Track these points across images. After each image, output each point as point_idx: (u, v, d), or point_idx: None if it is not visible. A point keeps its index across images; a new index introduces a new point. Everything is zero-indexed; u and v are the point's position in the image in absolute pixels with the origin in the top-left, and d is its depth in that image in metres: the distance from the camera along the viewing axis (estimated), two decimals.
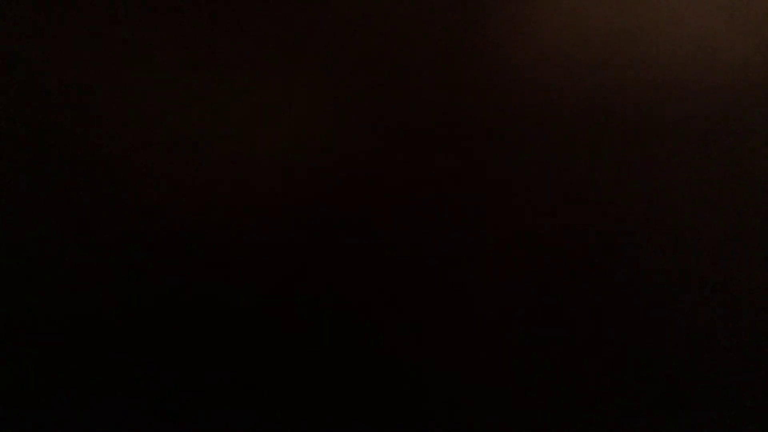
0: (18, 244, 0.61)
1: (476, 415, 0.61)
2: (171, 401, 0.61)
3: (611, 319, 0.61)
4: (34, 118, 0.61)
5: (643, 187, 0.61)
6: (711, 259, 0.61)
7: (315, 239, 0.61)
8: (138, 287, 0.61)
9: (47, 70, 0.61)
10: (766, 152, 0.61)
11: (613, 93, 0.61)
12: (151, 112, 0.61)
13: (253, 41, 0.61)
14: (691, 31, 0.61)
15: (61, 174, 0.61)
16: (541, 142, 0.61)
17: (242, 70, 0.61)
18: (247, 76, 0.61)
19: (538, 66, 0.61)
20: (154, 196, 0.61)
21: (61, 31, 0.61)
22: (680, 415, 0.61)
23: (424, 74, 0.61)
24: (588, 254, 0.61)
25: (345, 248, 0.61)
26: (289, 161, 0.61)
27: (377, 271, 0.61)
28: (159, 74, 0.61)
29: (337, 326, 0.61)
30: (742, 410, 0.61)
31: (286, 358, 0.61)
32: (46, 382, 0.61)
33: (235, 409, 0.61)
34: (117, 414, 0.61)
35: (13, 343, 0.61)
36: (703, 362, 0.61)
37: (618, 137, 0.61)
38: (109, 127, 0.61)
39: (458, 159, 0.61)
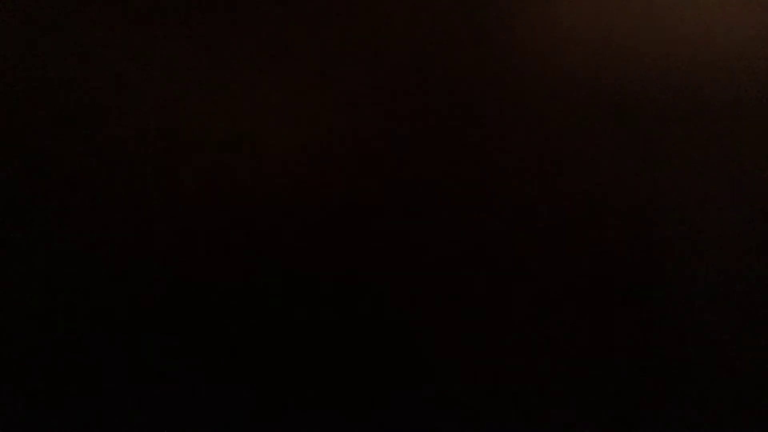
0: (18, 241, 0.61)
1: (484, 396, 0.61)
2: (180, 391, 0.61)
3: (618, 313, 0.61)
4: (35, 115, 0.61)
5: (649, 178, 0.61)
6: (716, 256, 0.61)
7: (327, 225, 0.61)
8: (147, 279, 0.61)
9: (50, 66, 0.61)
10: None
11: (617, 85, 0.61)
12: (163, 103, 0.61)
13: (263, 29, 0.61)
14: (698, 20, 0.61)
15: (66, 167, 0.61)
16: (547, 129, 0.61)
17: (252, 60, 0.61)
18: (258, 66, 0.61)
19: (544, 64, 0.61)
20: (165, 189, 0.61)
21: (66, 28, 0.61)
22: (682, 412, 0.61)
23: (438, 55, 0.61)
24: (594, 249, 0.61)
25: (357, 234, 0.61)
26: (301, 148, 0.61)
27: (391, 258, 0.61)
28: (167, 68, 0.61)
29: (347, 309, 0.61)
30: (742, 410, 0.61)
31: (300, 346, 0.61)
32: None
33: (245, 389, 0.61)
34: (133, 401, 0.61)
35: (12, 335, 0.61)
36: (708, 359, 0.61)
37: (622, 125, 0.61)
38: (111, 120, 0.61)
39: (469, 146, 0.61)
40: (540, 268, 0.61)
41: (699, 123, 0.61)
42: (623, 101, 0.61)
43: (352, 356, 0.61)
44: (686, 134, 0.61)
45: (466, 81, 0.61)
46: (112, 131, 0.61)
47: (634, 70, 0.61)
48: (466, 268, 0.61)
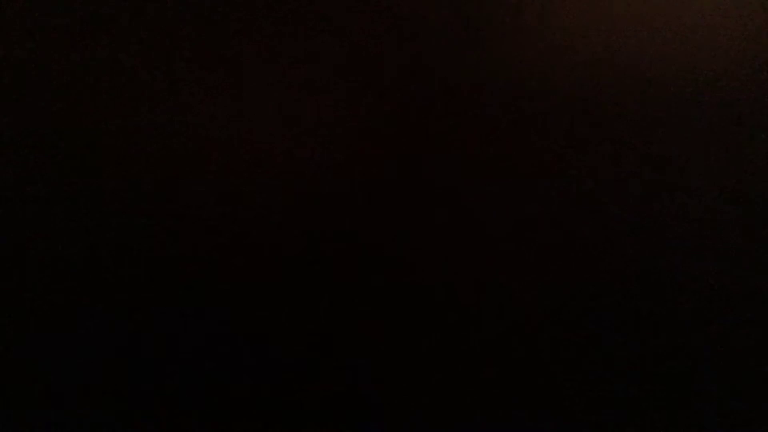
0: (21, 238, 0.61)
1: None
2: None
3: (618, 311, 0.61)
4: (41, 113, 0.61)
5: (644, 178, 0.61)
6: (715, 256, 0.61)
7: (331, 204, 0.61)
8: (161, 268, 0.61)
9: (54, 66, 0.61)
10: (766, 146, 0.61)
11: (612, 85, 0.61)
12: (157, 107, 0.61)
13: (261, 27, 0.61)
14: (693, 22, 0.61)
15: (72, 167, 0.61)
16: (547, 129, 0.61)
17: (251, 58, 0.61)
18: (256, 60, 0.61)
19: (538, 64, 0.61)
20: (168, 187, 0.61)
21: (70, 28, 0.61)
22: (681, 411, 0.61)
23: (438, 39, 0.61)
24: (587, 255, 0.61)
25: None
26: (300, 139, 0.61)
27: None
28: (166, 72, 0.61)
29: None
30: (742, 410, 0.61)
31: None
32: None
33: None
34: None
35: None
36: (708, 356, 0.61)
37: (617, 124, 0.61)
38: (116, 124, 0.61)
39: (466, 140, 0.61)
40: (538, 269, 0.61)
41: (699, 122, 0.61)
42: (623, 100, 0.61)
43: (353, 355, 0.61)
44: (686, 134, 0.61)
45: (466, 81, 0.61)
46: (116, 128, 0.61)
47: (634, 68, 0.61)
48: (465, 269, 0.61)
